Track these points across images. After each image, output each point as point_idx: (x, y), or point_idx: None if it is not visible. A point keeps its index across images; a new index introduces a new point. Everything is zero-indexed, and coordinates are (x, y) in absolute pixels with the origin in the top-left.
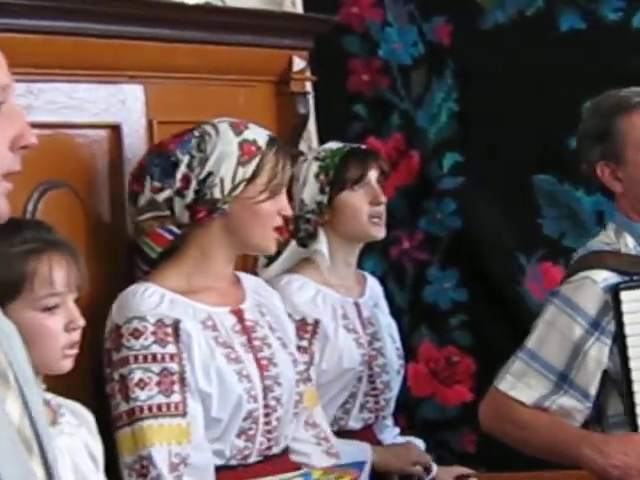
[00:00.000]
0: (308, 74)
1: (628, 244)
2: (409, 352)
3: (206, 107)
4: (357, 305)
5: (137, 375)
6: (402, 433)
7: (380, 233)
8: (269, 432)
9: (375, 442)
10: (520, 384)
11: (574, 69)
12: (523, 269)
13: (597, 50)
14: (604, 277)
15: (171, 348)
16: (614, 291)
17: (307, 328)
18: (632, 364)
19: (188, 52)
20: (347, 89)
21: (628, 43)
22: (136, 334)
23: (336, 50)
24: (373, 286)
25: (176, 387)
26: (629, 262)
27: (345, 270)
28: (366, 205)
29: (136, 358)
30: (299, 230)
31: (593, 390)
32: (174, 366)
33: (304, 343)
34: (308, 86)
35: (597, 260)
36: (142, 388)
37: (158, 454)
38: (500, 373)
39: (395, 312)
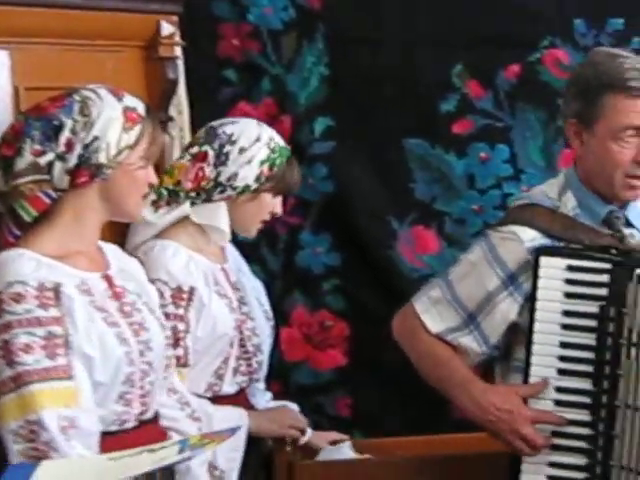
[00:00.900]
0: (177, 39)
1: (568, 204)
2: (282, 317)
3: (74, 73)
4: (224, 270)
5: (22, 339)
6: (276, 398)
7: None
8: (143, 396)
9: (248, 407)
10: (433, 310)
11: (445, 33)
12: (395, 233)
13: (465, 16)
14: (532, 237)
15: (54, 312)
16: (536, 254)
17: (183, 295)
18: (536, 327)
19: (55, 17)
20: (217, 54)
21: (495, 9)
22: (18, 298)
23: (205, 15)
24: (232, 251)
25: (61, 350)
26: (561, 225)
27: (211, 234)
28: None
29: (20, 322)
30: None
31: (495, 339)
32: (58, 329)
33: (180, 311)
34: (177, 51)
35: (531, 217)
36: (27, 352)
37: (49, 417)
38: (421, 291)
39: (268, 277)
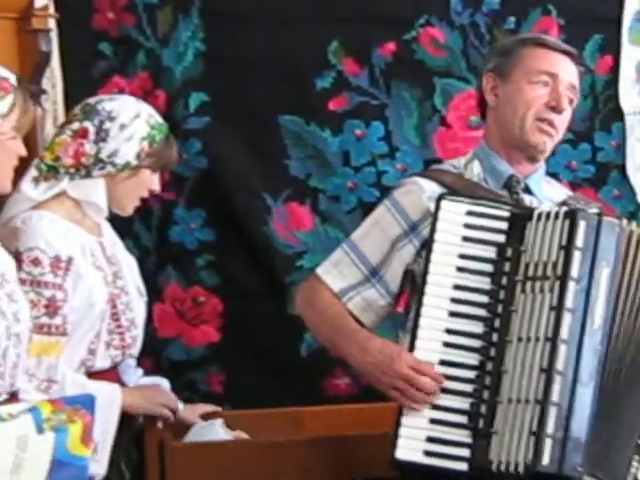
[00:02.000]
0: (51, 11)
1: (473, 170)
2: (155, 292)
3: None
4: (101, 244)
5: None
6: (148, 375)
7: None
8: (12, 369)
9: (119, 384)
10: (335, 271)
11: (322, 9)
12: (269, 209)
13: None
14: (433, 189)
15: None
16: (438, 198)
17: (61, 265)
18: (431, 267)
19: None
20: (92, 27)
21: None
22: None
23: None
24: (107, 226)
25: None
26: (463, 185)
27: (87, 209)
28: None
29: None
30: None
31: (394, 287)
32: None
33: (58, 280)
34: (51, 23)
35: (435, 174)
36: None
37: None
38: (324, 260)
39: (141, 252)
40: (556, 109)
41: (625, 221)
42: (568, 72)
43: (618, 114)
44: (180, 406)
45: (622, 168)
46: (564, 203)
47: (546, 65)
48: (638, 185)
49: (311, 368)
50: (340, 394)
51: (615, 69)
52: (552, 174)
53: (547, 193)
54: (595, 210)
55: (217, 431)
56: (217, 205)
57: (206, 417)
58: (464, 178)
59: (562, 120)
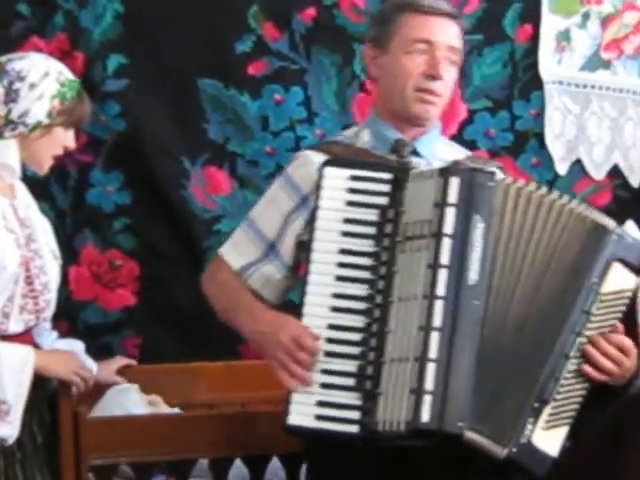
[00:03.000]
0: None
1: (363, 138)
2: (71, 255)
3: None
4: (13, 206)
5: None
6: (63, 337)
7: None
8: None
9: (34, 346)
10: (235, 250)
11: None
12: (188, 173)
13: None
14: (322, 159)
15: None
16: (322, 165)
17: None
18: (317, 234)
19: None
20: None
21: None
22: None
23: None
24: (21, 187)
25: None
26: (354, 152)
27: (0, 171)
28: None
29: None
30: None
31: (288, 259)
32: None
33: None
34: None
35: (325, 146)
36: None
37: None
38: (227, 239)
39: (57, 215)
40: (435, 77)
41: (500, 175)
42: (445, 35)
43: (537, 83)
44: (94, 367)
45: (541, 137)
46: (455, 163)
47: (421, 33)
48: (556, 153)
49: (227, 332)
50: (257, 357)
51: (535, 38)
52: (470, 141)
53: (442, 154)
54: (492, 169)
55: (132, 397)
56: (135, 168)
57: (122, 372)
58: (354, 147)
59: (445, 84)
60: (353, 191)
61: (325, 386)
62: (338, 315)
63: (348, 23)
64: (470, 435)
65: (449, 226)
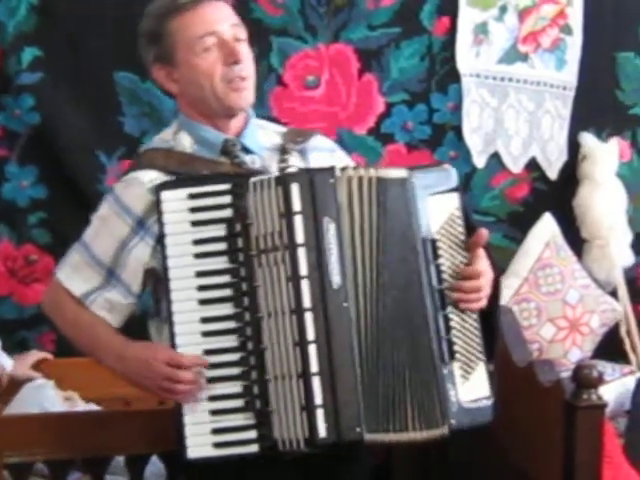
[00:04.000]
0: None
1: (184, 142)
2: None
3: None
4: None
5: None
6: None
7: None
8: None
9: None
10: (74, 275)
11: None
12: (104, 167)
13: None
14: (152, 178)
15: None
16: (156, 191)
17: None
18: (170, 262)
19: None
20: None
21: None
22: None
23: None
24: None
25: None
26: (179, 161)
27: None
28: None
29: None
30: None
31: (136, 287)
32: None
33: None
34: None
35: (149, 160)
36: None
37: None
38: (62, 261)
39: None
40: (236, 62)
41: (338, 170)
42: (221, 17)
43: (455, 76)
44: (9, 363)
45: (458, 130)
46: (283, 150)
47: (199, 29)
48: (474, 147)
49: (144, 324)
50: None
51: (452, 31)
52: (388, 135)
53: (264, 142)
54: (314, 138)
55: (47, 394)
56: (50, 162)
57: (38, 366)
58: (177, 154)
59: (247, 64)
60: (195, 210)
61: (215, 412)
62: (211, 339)
63: (265, 16)
64: (371, 437)
65: (300, 235)
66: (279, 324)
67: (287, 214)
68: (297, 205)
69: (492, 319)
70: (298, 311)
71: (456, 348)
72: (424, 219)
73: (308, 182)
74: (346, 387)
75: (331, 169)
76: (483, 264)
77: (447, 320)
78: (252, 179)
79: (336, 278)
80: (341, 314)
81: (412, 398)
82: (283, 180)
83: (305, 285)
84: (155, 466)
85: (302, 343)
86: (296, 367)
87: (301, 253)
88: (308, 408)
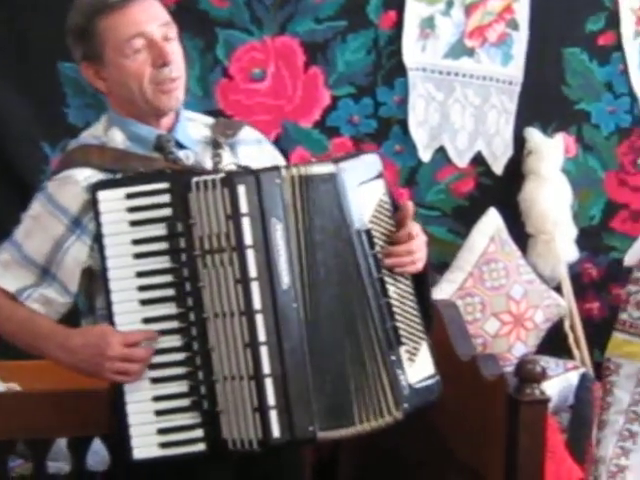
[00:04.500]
0: None
1: (116, 138)
2: None
3: None
4: None
5: None
6: None
7: None
8: None
9: None
10: (7, 274)
11: None
12: (47, 158)
13: None
14: (86, 175)
15: None
16: (92, 191)
17: None
18: (109, 263)
19: None
20: None
21: None
22: None
23: None
24: None
25: None
26: (113, 158)
27: None
28: None
29: None
30: None
31: (73, 287)
32: None
33: None
34: None
35: (82, 157)
36: None
37: None
38: None
39: None
40: (165, 64)
41: (284, 169)
42: (151, 16)
43: (401, 69)
44: None
45: (404, 123)
46: (215, 144)
47: (128, 30)
48: (420, 141)
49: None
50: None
51: (399, 24)
52: (333, 128)
53: (195, 135)
54: (242, 130)
55: None
56: None
57: None
58: (111, 150)
59: (177, 64)
60: (133, 210)
61: (161, 413)
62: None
63: (211, 8)
64: (324, 434)
65: (248, 237)
66: (227, 325)
67: (234, 216)
68: (244, 207)
69: (426, 284)
70: (248, 313)
71: (401, 332)
72: (356, 211)
73: (255, 183)
74: (298, 387)
75: (277, 168)
76: (414, 228)
77: (390, 307)
78: (194, 179)
79: (285, 279)
80: (291, 314)
81: (363, 390)
82: (229, 181)
83: (255, 287)
84: (98, 455)
85: (253, 345)
86: (247, 368)
87: (250, 255)
88: (261, 409)
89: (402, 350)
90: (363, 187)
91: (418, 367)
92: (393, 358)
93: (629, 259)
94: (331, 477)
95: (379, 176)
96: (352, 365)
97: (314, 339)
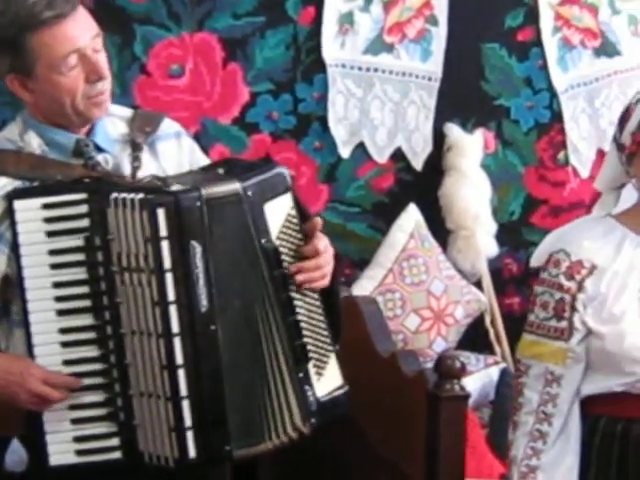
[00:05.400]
0: None
1: (33, 143)
2: None
3: None
4: None
5: None
6: None
7: None
8: None
9: None
10: None
11: None
12: None
13: None
14: (2, 184)
15: None
16: (8, 200)
17: None
18: (26, 272)
19: None
20: None
21: None
22: None
23: None
24: None
25: None
26: (30, 165)
27: None
28: None
29: None
30: None
31: None
32: None
33: None
34: None
35: None
36: None
37: None
38: None
39: None
40: (99, 78)
41: (203, 190)
42: (83, 31)
43: (320, 65)
44: None
45: (324, 120)
46: (134, 145)
47: (63, 48)
48: (339, 137)
49: None
50: None
51: (318, 20)
52: (253, 124)
53: (113, 133)
54: (161, 128)
55: None
56: None
57: None
58: (27, 156)
59: (106, 76)
60: (50, 220)
61: (77, 421)
62: (71, 349)
63: (128, 4)
64: (240, 452)
65: (167, 261)
66: (144, 345)
67: (153, 239)
68: (164, 231)
69: (335, 297)
70: (166, 336)
71: (309, 348)
72: (263, 230)
73: (174, 205)
74: (214, 408)
75: (197, 189)
76: (322, 243)
77: (298, 324)
78: (113, 195)
79: (204, 302)
80: (208, 337)
81: (273, 408)
82: (148, 203)
83: (173, 310)
84: (17, 455)
85: (171, 367)
86: (164, 389)
87: (168, 279)
88: (177, 430)
89: (310, 365)
90: (270, 204)
91: (326, 380)
92: (301, 375)
93: (535, 260)
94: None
95: (286, 190)
96: (261, 385)
97: (229, 360)
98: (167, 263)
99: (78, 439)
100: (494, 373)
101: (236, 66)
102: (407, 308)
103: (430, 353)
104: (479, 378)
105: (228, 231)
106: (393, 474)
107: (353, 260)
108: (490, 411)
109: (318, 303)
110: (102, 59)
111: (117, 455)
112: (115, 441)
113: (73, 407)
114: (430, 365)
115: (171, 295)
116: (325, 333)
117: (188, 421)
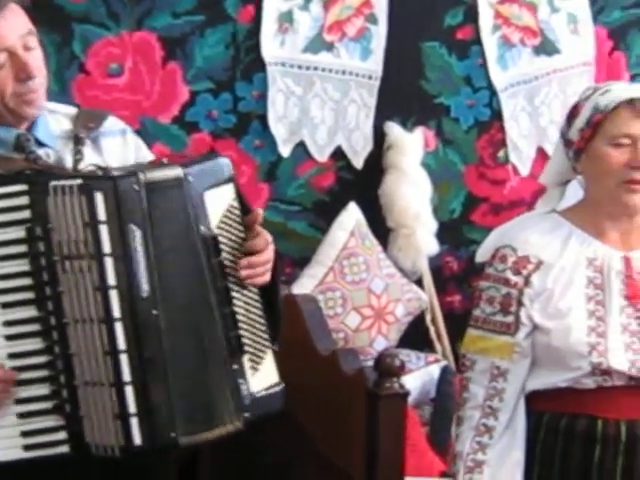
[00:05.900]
0: None
1: None
2: None
3: None
4: None
5: None
6: None
7: None
8: None
9: None
10: None
11: None
12: None
13: None
14: None
15: None
16: None
17: None
18: None
19: None
20: None
21: None
22: None
23: None
24: None
25: None
26: None
27: None
28: None
29: None
30: None
31: None
32: None
33: None
34: None
35: None
36: None
37: None
38: None
39: None
40: (29, 77)
41: (141, 174)
42: (13, 28)
43: (260, 64)
44: None
45: (264, 118)
46: (76, 139)
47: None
48: (279, 135)
49: None
50: None
51: (257, 19)
52: (192, 123)
53: (55, 130)
54: (106, 121)
55: None
56: None
57: None
58: None
59: (39, 71)
60: None
61: (23, 415)
62: (15, 342)
63: (66, 3)
64: (187, 439)
65: (106, 245)
66: (87, 332)
67: (92, 223)
68: (102, 215)
69: (275, 294)
70: (108, 321)
71: (244, 341)
72: (202, 217)
73: (112, 189)
74: (158, 394)
75: (135, 174)
76: (262, 239)
77: (234, 315)
78: (52, 182)
79: (145, 286)
80: (150, 322)
81: (208, 399)
82: (86, 188)
83: (114, 295)
84: None
85: (113, 352)
86: (107, 376)
87: (108, 263)
88: (122, 416)
89: (245, 359)
90: (211, 192)
91: (262, 376)
92: (235, 367)
93: (480, 256)
94: (192, 477)
95: (229, 180)
96: (202, 372)
97: (172, 346)
98: (106, 247)
99: (25, 434)
100: (435, 371)
101: (176, 65)
102: (348, 306)
103: (371, 351)
104: (420, 376)
105: (168, 216)
106: (332, 471)
107: (294, 259)
108: (431, 409)
109: (257, 298)
110: (35, 57)
111: (65, 449)
112: (62, 435)
113: (19, 401)
114: (371, 363)
115: (111, 279)
116: (263, 329)
117: (132, 407)
